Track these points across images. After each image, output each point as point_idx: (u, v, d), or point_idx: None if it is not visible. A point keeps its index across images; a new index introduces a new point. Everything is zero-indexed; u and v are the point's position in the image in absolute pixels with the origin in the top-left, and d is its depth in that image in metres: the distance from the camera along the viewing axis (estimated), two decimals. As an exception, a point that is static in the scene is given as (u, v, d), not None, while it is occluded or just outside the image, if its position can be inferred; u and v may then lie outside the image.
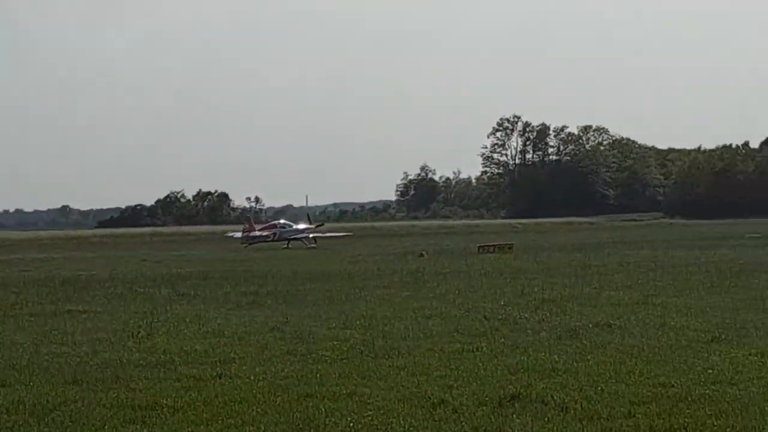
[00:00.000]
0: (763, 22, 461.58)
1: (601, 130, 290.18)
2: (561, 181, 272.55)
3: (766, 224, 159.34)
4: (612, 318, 31.52)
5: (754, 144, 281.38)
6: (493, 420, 17.21)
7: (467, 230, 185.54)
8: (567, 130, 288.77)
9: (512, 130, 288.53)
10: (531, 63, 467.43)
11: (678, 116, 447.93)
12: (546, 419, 17.18)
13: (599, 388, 19.82)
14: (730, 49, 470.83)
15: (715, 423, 16.47)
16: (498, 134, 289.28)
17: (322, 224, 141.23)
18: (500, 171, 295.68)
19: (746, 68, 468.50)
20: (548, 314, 33.25)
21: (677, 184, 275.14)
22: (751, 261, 61.82)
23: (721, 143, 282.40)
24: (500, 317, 32.61)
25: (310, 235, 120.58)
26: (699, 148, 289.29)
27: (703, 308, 33.96)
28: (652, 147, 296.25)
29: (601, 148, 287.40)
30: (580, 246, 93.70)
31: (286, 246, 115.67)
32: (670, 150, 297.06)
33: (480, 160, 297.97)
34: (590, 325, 29.83)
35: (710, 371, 21.38)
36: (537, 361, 23.28)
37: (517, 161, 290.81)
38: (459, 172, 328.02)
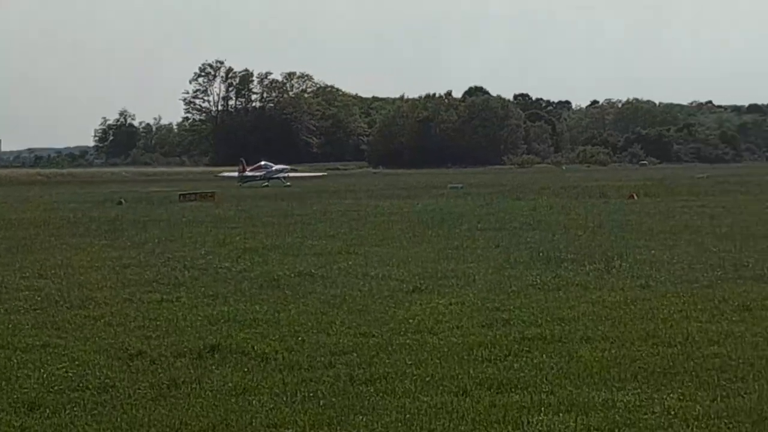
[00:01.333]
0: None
1: (305, 77, 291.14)
2: (265, 128, 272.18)
3: (468, 174, 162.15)
4: (314, 267, 31.72)
5: (457, 93, 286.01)
6: (192, 371, 17.16)
7: (171, 177, 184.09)
8: (271, 77, 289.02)
9: (215, 76, 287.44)
10: (234, 6, 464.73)
11: (382, 67, 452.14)
12: (246, 370, 17.20)
13: (300, 338, 19.94)
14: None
15: (415, 372, 16.72)
16: (200, 80, 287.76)
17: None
18: (202, 117, 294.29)
19: (447, 20, 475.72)
20: (250, 264, 33.30)
21: (381, 134, 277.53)
22: (452, 211, 62.84)
23: (423, 92, 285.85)
24: (201, 267, 32.56)
25: (287, 175, 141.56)
26: (402, 97, 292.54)
27: (404, 258, 34.42)
28: (356, 95, 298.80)
29: (305, 95, 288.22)
30: (284, 194, 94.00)
31: (266, 185, 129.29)
32: (374, 99, 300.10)
33: (182, 105, 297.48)
34: (292, 275, 29.97)
35: (411, 321, 21.67)
36: (238, 312, 23.27)
37: (220, 108, 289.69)
38: (160, 118, 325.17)
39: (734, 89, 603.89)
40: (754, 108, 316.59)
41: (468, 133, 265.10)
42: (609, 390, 15.36)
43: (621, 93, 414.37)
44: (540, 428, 13.36)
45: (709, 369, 16.53)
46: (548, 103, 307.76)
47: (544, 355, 17.92)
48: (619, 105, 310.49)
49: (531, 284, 27.26)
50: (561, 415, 14.02)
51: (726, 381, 15.75)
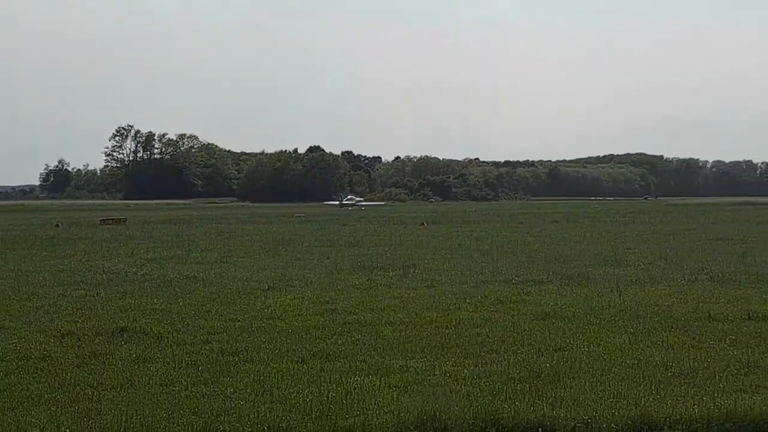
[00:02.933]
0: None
1: (193, 137, 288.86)
2: (163, 174, 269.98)
3: (309, 207, 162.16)
4: (197, 272, 31.48)
5: (302, 150, 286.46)
6: (107, 345, 16.94)
7: (94, 208, 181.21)
8: (167, 137, 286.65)
9: (127, 135, 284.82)
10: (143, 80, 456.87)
11: (248, 127, 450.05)
12: (146, 345, 17.01)
13: (186, 322, 19.77)
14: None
15: (268, 347, 16.66)
16: (116, 138, 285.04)
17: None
18: (118, 165, 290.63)
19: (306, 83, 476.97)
20: (150, 269, 32.91)
21: (247, 177, 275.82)
22: (297, 233, 62.84)
23: (278, 149, 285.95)
24: (114, 271, 32.10)
25: (362, 204, 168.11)
26: (263, 152, 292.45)
27: (262, 266, 34.30)
28: (229, 150, 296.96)
29: (193, 150, 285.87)
30: (176, 220, 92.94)
31: (350, 209, 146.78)
32: (242, 153, 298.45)
33: (103, 156, 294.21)
34: (181, 278, 29.71)
35: (265, 310, 21.62)
36: (141, 303, 23.03)
37: (131, 158, 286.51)
38: (88, 165, 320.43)
39: (493, 149, 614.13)
40: (506, 163, 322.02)
41: (309, 178, 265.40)
42: (404, 359, 15.44)
43: (417, 151, 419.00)
44: (355, 386, 13.37)
45: (473, 344, 16.69)
46: (365, 157, 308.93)
47: (359, 334, 17.96)
48: (415, 159, 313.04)
49: (351, 285, 27.32)
50: (370, 376, 14.06)
51: (485, 352, 15.92)
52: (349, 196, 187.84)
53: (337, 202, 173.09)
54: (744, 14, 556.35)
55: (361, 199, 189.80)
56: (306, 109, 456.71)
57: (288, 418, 11.31)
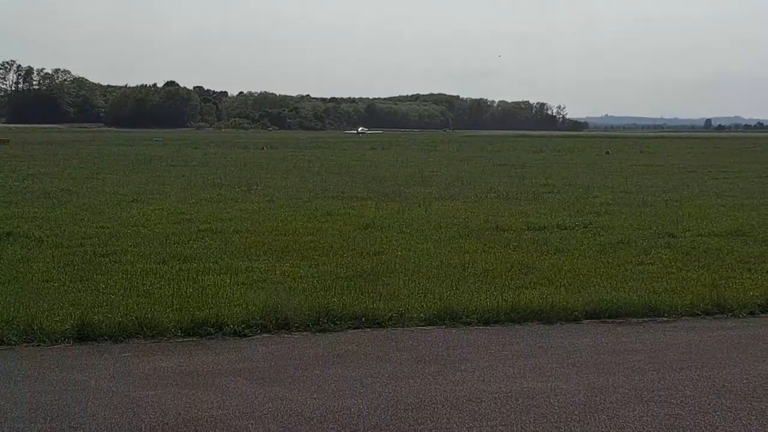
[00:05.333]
0: None
1: (66, 72, 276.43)
2: (41, 102, 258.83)
3: (166, 133, 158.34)
4: (71, 186, 30.52)
5: (160, 84, 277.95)
6: (-7, 249, 16.29)
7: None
8: (44, 71, 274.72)
9: (10, 69, 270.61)
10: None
11: (114, 61, 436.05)
12: (29, 248, 16.40)
13: (63, 228, 19.14)
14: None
15: (134, 250, 16.28)
16: (0, 71, 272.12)
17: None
18: (1, 94, 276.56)
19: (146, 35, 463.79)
20: (31, 183, 31.79)
21: (113, 107, 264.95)
22: (156, 155, 61.55)
23: (140, 83, 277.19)
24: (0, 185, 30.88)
25: (367, 131, 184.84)
26: (126, 85, 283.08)
27: (126, 181, 33.52)
28: (98, 83, 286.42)
29: (66, 83, 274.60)
30: (52, 142, 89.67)
31: (362, 135, 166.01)
32: (109, 86, 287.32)
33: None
34: (58, 191, 28.74)
35: (131, 219, 21.13)
36: (23, 212, 22.18)
37: (13, 89, 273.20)
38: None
39: (322, 86, 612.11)
40: (332, 99, 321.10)
41: (166, 108, 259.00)
42: (250, 261, 15.29)
43: (257, 86, 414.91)
44: (209, 283, 13.16)
45: (307, 249, 16.64)
46: (214, 92, 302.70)
47: (211, 240, 17.72)
48: (256, 94, 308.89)
49: (204, 199, 26.91)
50: (221, 275, 13.87)
51: (317, 256, 15.89)
52: (361, 128, 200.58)
53: (355, 132, 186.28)
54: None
55: (367, 129, 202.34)
56: (164, 51, 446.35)
57: (153, 310, 11.08)
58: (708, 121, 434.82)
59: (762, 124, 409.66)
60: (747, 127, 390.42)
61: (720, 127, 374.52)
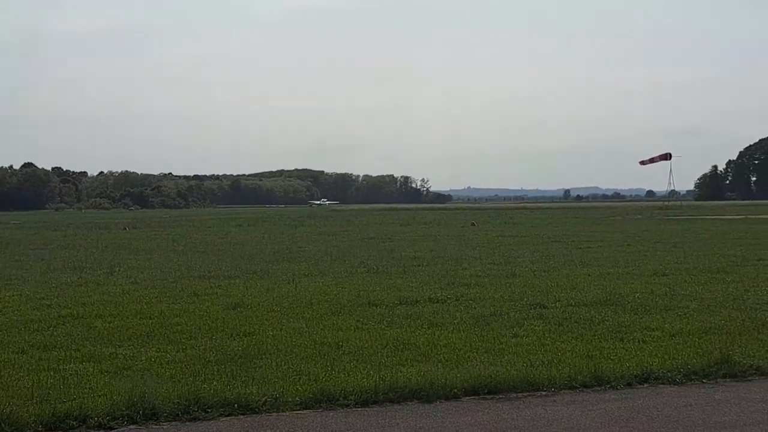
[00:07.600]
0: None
1: None
2: None
3: (23, 215, 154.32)
4: None
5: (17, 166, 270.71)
6: None
7: None
8: None
9: None
10: None
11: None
12: None
13: None
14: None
15: (-11, 340, 15.45)
16: None
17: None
18: None
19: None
20: None
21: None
22: (14, 238, 59.53)
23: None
24: None
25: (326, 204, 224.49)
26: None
27: (-18, 267, 32.10)
28: None
29: None
30: None
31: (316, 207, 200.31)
32: None
33: None
34: None
35: (-14, 307, 20.13)
36: None
37: None
38: None
39: (183, 163, 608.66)
40: (195, 177, 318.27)
41: (23, 190, 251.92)
42: (114, 347, 14.67)
43: (118, 165, 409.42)
44: (71, 372, 12.50)
45: (174, 332, 16.09)
46: (73, 172, 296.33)
47: (72, 327, 16.97)
48: (117, 174, 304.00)
49: (64, 282, 25.97)
50: (84, 363, 13.23)
51: (185, 339, 15.36)
52: (323, 199, 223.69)
53: (315, 203, 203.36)
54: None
55: (326, 200, 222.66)
56: (21, 133, 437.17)
57: (11, 404, 10.41)
58: (567, 191, 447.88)
59: (618, 193, 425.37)
60: (605, 197, 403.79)
61: (579, 198, 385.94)
